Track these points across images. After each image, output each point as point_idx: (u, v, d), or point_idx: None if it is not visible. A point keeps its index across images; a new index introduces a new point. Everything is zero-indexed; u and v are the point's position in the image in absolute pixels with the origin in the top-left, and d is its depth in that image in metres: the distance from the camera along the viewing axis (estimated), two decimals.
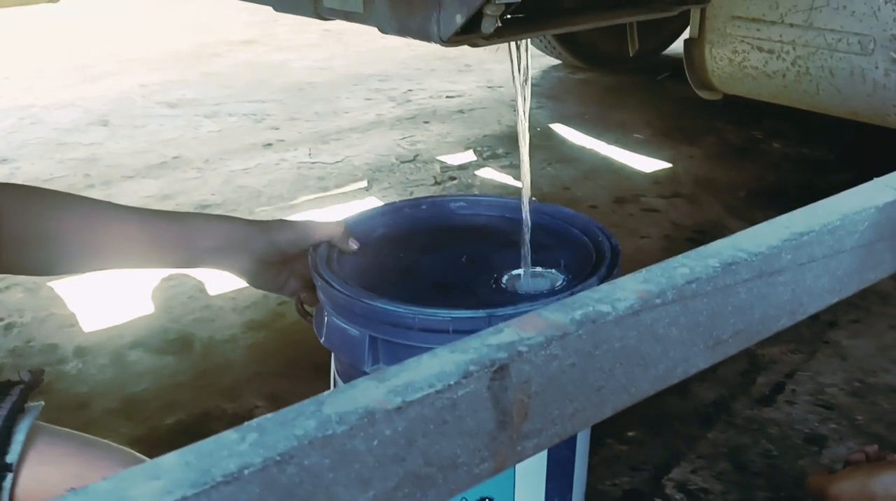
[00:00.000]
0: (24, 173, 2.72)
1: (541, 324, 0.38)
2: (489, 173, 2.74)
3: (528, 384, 0.37)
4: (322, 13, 0.85)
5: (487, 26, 0.70)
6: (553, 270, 0.99)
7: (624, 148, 2.95)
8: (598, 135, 3.08)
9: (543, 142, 3.00)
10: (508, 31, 0.76)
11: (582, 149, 2.98)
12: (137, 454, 0.85)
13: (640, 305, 0.40)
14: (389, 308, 0.86)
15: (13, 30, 4.75)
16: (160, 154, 2.91)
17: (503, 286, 0.97)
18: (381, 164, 2.82)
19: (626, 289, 0.41)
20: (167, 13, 5.30)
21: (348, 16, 0.82)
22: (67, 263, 0.95)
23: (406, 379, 0.34)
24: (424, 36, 0.75)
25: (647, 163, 2.80)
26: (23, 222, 0.88)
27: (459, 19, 0.70)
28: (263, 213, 2.42)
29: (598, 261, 0.96)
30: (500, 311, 0.83)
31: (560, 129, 3.17)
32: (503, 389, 0.36)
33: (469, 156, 2.89)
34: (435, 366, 0.35)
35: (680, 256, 0.45)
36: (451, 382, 0.35)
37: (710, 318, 0.43)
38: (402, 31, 0.77)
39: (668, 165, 2.78)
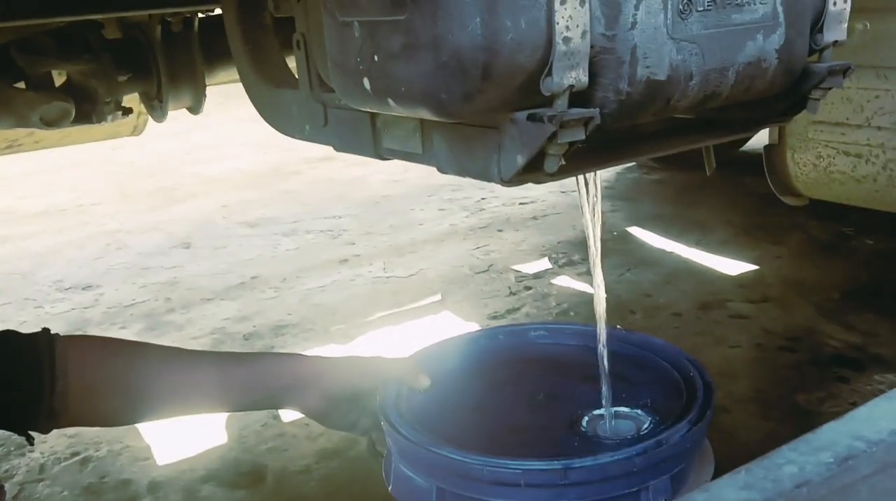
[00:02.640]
0: (108, 299, 2.79)
1: None
2: (565, 281, 2.68)
3: None
4: (382, 154, 0.83)
5: (551, 166, 0.66)
6: (638, 410, 0.91)
7: (705, 249, 2.85)
8: (676, 237, 2.99)
9: (620, 245, 2.93)
10: (573, 165, 0.71)
11: (661, 251, 2.89)
12: None
13: None
14: (456, 457, 0.80)
15: (103, 158, 5.00)
16: (239, 274, 2.95)
17: (583, 429, 0.90)
18: (455, 276, 2.79)
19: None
20: (245, 133, 5.50)
21: (408, 156, 0.80)
22: (138, 413, 0.95)
23: None
24: (485, 177, 0.71)
25: (731, 265, 2.70)
26: (89, 375, 0.89)
27: (521, 160, 0.66)
28: (338, 331, 2.40)
29: (689, 400, 0.88)
30: (577, 463, 0.77)
31: (637, 232, 3.10)
32: None
33: (544, 264, 2.84)
34: None
35: (785, 448, 0.39)
36: None
37: None
38: (462, 172, 0.74)
39: (753, 267, 2.67)
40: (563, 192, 3.65)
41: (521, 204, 3.56)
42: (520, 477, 0.77)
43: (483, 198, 3.68)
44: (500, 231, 3.24)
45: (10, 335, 0.88)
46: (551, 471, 0.76)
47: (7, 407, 0.84)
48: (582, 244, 2.97)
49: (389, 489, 0.91)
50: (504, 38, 0.60)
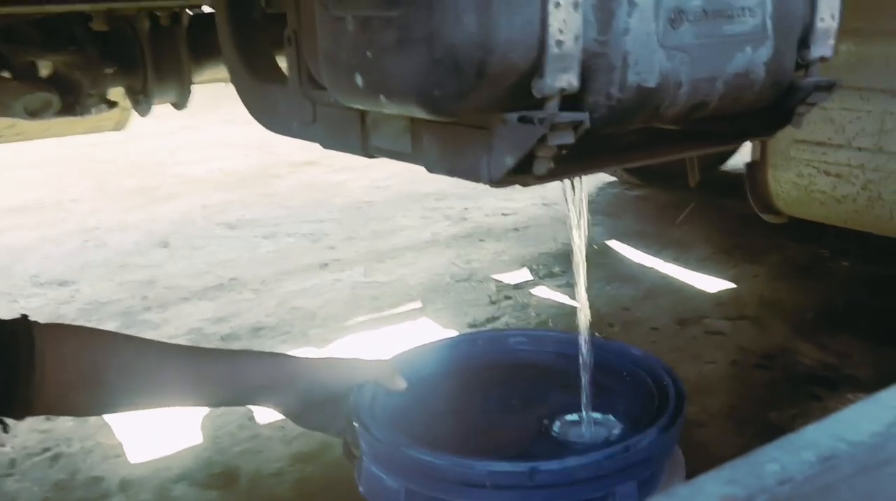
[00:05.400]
0: (84, 296, 2.76)
1: None
2: (545, 292, 2.68)
3: None
4: (370, 152, 0.83)
5: (540, 168, 0.66)
6: (610, 416, 0.92)
7: (684, 266, 2.87)
8: (656, 253, 3.01)
9: (601, 259, 2.94)
10: (562, 169, 0.72)
11: (641, 267, 2.91)
12: None
13: None
14: (424, 458, 0.80)
15: (83, 154, 4.95)
16: (217, 275, 2.93)
17: (554, 433, 0.90)
18: (436, 284, 2.79)
19: (709, 494, 0.35)
20: (231, 136, 5.48)
21: (396, 155, 0.80)
22: (114, 404, 0.95)
23: None
24: (473, 177, 0.72)
25: (709, 283, 2.71)
26: (67, 364, 0.88)
27: (510, 161, 0.67)
28: (317, 336, 2.39)
29: (661, 407, 0.88)
30: (544, 465, 0.77)
31: (617, 247, 3.11)
32: None
33: (525, 275, 2.85)
34: None
35: (768, 447, 0.39)
36: None
37: None
38: (451, 172, 0.74)
39: (731, 285, 2.69)
40: (545, 205, 3.66)
41: (503, 215, 3.57)
42: (486, 478, 0.77)
43: (466, 208, 3.68)
44: (481, 241, 3.24)
45: None
46: (518, 473, 0.77)
47: None
48: (562, 256, 2.98)
49: (360, 490, 0.90)
50: (498, 36, 0.60)
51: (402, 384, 0.99)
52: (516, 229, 3.37)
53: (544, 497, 0.76)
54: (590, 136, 0.67)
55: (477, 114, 0.67)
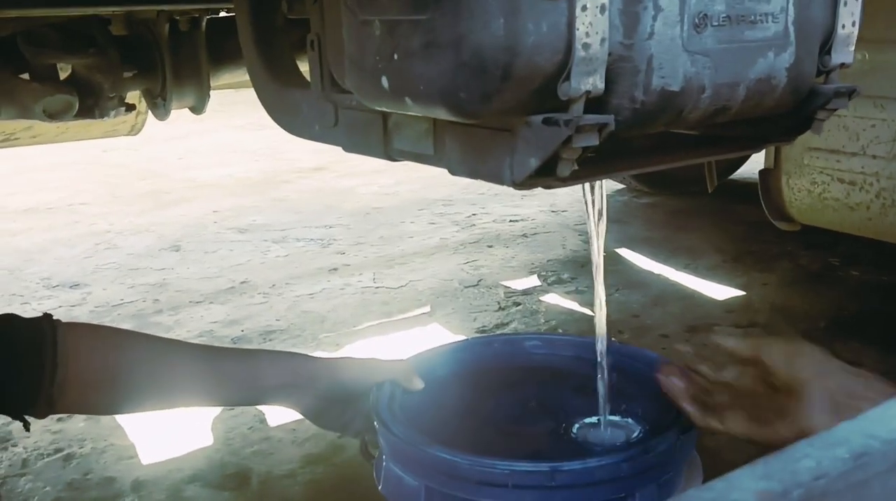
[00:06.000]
0: (95, 298, 2.77)
1: None
2: (554, 299, 2.69)
3: None
4: (392, 155, 0.84)
5: (563, 170, 0.67)
6: (629, 420, 0.92)
7: (693, 273, 2.87)
8: (665, 260, 3.01)
9: (610, 266, 2.94)
10: (584, 172, 0.72)
11: (650, 274, 2.91)
12: None
13: None
14: (446, 456, 0.80)
15: (94, 159, 4.98)
16: (229, 279, 2.94)
17: (573, 435, 0.91)
18: (445, 289, 2.79)
19: (744, 489, 0.35)
20: (240, 142, 5.51)
21: (418, 158, 0.80)
22: (134, 403, 0.95)
23: None
24: (496, 179, 0.72)
25: (719, 291, 2.71)
26: (88, 363, 0.89)
27: (534, 163, 0.67)
28: (327, 340, 2.40)
29: (680, 412, 0.89)
30: (565, 466, 0.77)
31: (626, 254, 3.12)
32: None
33: (533, 281, 2.85)
34: None
35: (802, 443, 0.39)
36: None
37: None
38: (473, 174, 0.74)
39: (741, 292, 2.68)
40: (553, 212, 3.67)
41: (511, 221, 3.58)
42: (507, 478, 0.78)
43: (474, 214, 3.69)
44: (490, 247, 3.25)
45: (12, 319, 0.87)
46: (539, 473, 0.77)
47: (7, 393, 0.84)
48: (571, 262, 2.99)
49: (379, 487, 0.91)
50: (525, 40, 0.61)
51: (419, 384, 0.99)
52: (525, 235, 3.38)
53: (564, 498, 0.77)
54: (612, 140, 0.68)
55: (501, 116, 0.67)
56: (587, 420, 0.92)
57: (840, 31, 0.78)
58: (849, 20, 0.78)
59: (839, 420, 0.76)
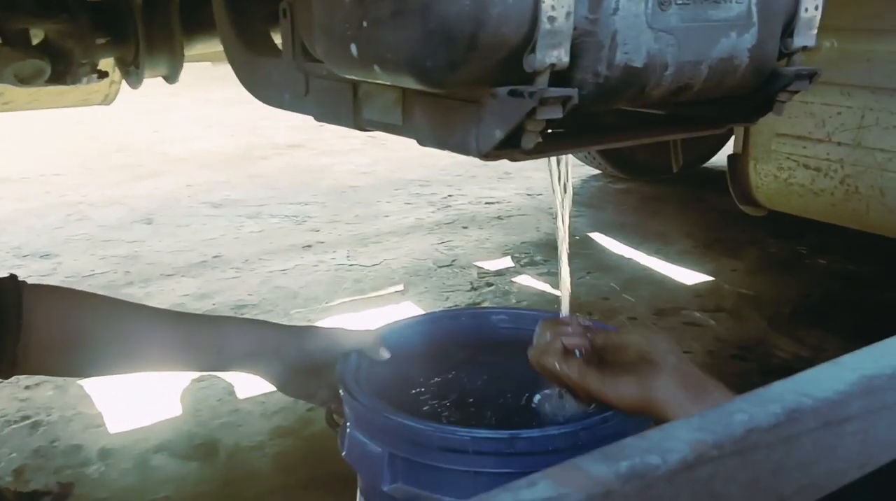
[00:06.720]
0: (66, 268, 2.76)
1: (580, 479, 0.34)
2: (527, 280, 2.71)
3: None
4: (362, 124, 0.84)
5: (528, 142, 0.68)
6: None
7: (664, 258, 2.91)
8: (637, 245, 3.04)
9: (582, 250, 2.97)
10: (549, 146, 0.74)
11: (621, 258, 2.94)
12: None
13: (695, 458, 0.36)
14: (408, 423, 0.82)
15: (68, 128, 4.92)
16: (201, 253, 2.93)
17: (534, 406, 0.93)
18: (419, 268, 2.80)
19: (679, 439, 0.37)
20: (216, 117, 5.46)
21: (387, 128, 0.81)
22: (99, 366, 0.95)
23: None
24: (463, 150, 0.73)
25: (688, 275, 2.75)
26: (54, 325, 0.88)
27: (499, 134, 0.68)
28: (299, 315, 2.41)
29: None
30: (524, 433, 0.79)
31: (599, 238, 3.14)
32: None
33: (507, 263, 2.87)
34: None
35: (737, 399, 0.41)
36: None
37: (772, 473, 0.39)
38: (441, 145, 0.75)
39: (709, 278, 2.72)
40: (528, 195, 3.69)
41: (487, 203, 3.59)
42: (468, 445, 0.79)
43: (450, 195, 3.70)
44: (464, 228, 3.26)
45: None
46: (499, 440, 0.79)
47: None
48: (544, 245, 3.01)
49: (343, 455, 0.92)
50: (491, 10, 0.62)
51: (385, 354, 1.00)
52: (499, 218, 3.39)
53: (523, 465, 0.79)
54: (577, 114, 0.69)
55: (467, 87, 0.68)
56: (548, 391, 0.94)
57: (803, 14, 0.79)
58: (812, 4, 0.79)
59: (687, 395, 0.80)
